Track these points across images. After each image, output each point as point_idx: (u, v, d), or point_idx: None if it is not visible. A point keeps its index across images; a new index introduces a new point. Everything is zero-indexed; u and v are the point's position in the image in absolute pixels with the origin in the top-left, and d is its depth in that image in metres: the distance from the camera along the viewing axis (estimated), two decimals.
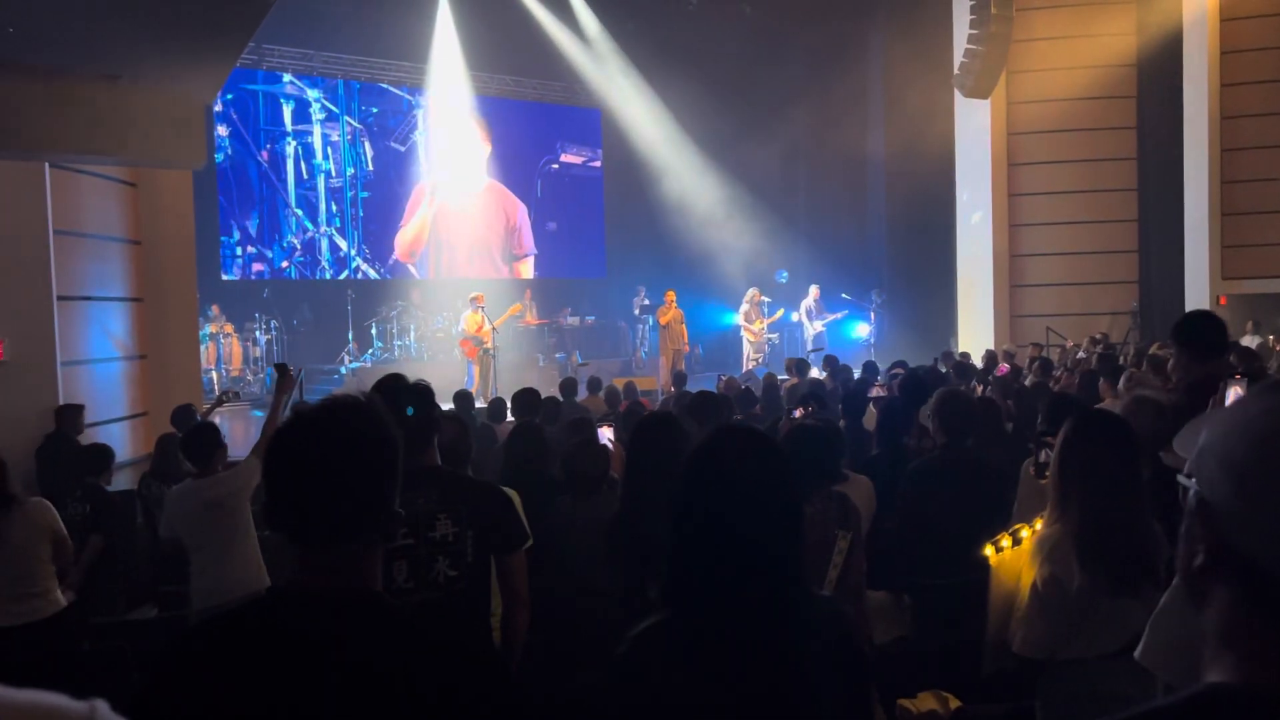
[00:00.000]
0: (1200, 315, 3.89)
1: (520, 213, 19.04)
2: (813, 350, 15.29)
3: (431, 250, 18.11)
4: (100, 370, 9.65)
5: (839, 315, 16.94)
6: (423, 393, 2.86)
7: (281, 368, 4.78)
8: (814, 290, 16.73)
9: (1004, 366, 9.75)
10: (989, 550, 2.91)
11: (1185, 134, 15.44)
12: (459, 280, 17.19)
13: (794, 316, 17.21)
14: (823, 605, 1.79)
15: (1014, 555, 2.79)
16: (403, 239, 17.86)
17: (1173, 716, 0.84)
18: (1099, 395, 6.56)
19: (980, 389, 8.45)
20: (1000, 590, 2.73)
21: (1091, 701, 2.38)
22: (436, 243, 18.09)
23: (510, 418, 7.04)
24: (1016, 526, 2.93)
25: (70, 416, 8.05)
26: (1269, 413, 0.85)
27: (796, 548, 1.72)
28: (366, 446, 1.49)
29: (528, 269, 19.13)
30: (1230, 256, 15.27)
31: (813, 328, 16.52)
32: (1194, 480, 0.91)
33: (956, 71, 15.86)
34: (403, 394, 2.80)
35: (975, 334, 16.51)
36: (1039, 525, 2.71)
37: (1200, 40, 15.13)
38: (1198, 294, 15.25)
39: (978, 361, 11.98)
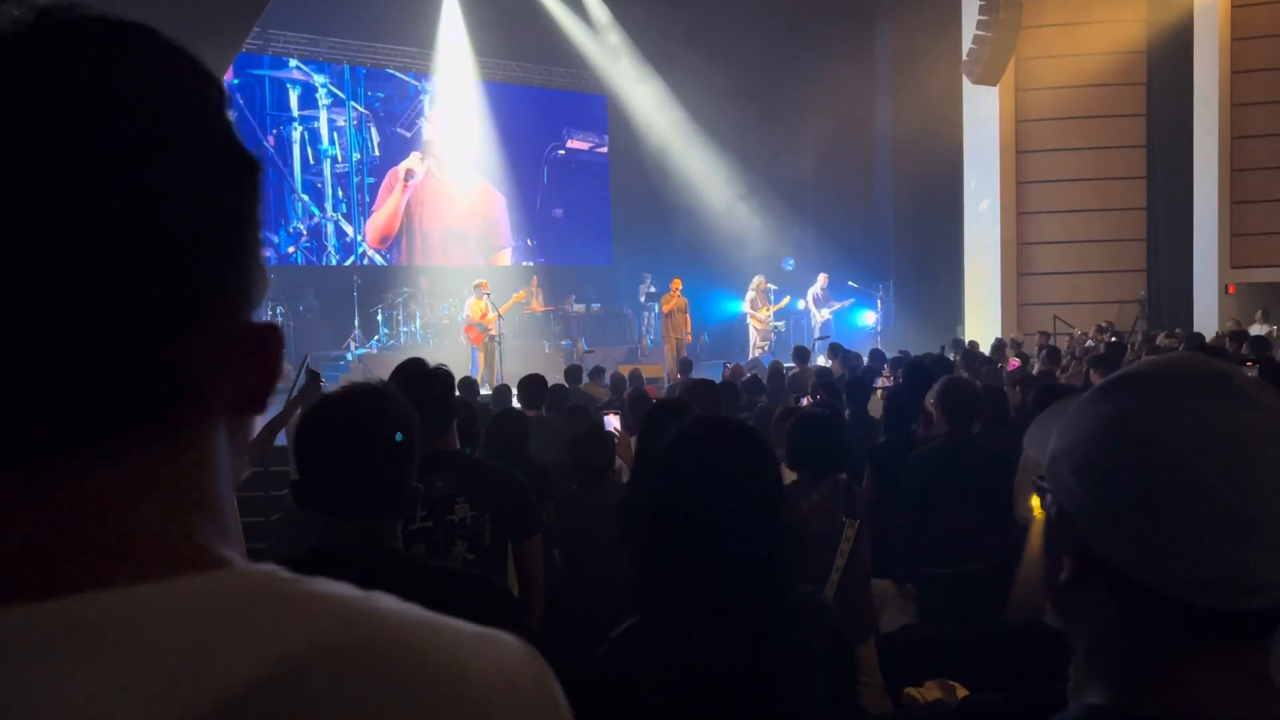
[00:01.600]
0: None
1: (500, 206, 18.91)
2: (819, 338, 15.26)
3: (404, 239, 17.97)
4: None
5: (846, 303, 16.89)
6: (442, 377, 2.87)
7: (314, 375, 4.83)
8: (822, 278, 16.69)
9: (1015, 361, 9.73)
10: (1034, 502, 2.91)
11: (1195, 121, 15.33)
12: (465, 269, 17.18)
13: (800, 304, 17.17)
14: (804, 600, 1.74)
15: None
16: (374, 225, 17.71)
17: None
18: None
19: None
20: (1036, 547, 2.71)
21: None
22: (412, 230, 17.96)
23: (516, 404, 7.03)
24: None
25: None
26: (1122, 412, 0.79)
27: (777, 542, 1.66)
28: (387, 426, 1.68)
29: (505, 259, 19.01)
30: (1239, 245, 15.19)
31: (820, 315, 16.48)
32: (1044, 486, 0.86)
33: (965, 58, 15.77)
34: (424, 378, 2.81)
35: (983, 322, 16.46)
36: None
37: (1210, 26, 15.02)
38: (1206, 283, 15.18)
39: (988, 350, 11.96)
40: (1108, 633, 0.81)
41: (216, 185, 0.51)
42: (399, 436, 1.70)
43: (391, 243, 17.89)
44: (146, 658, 0.46)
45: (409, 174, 17.74)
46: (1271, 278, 14.69)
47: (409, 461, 1.71)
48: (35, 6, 0.50)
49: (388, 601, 0.52)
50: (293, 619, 0.49)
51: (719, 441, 1.70)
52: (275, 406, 5.22)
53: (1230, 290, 14.90)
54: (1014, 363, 9.63)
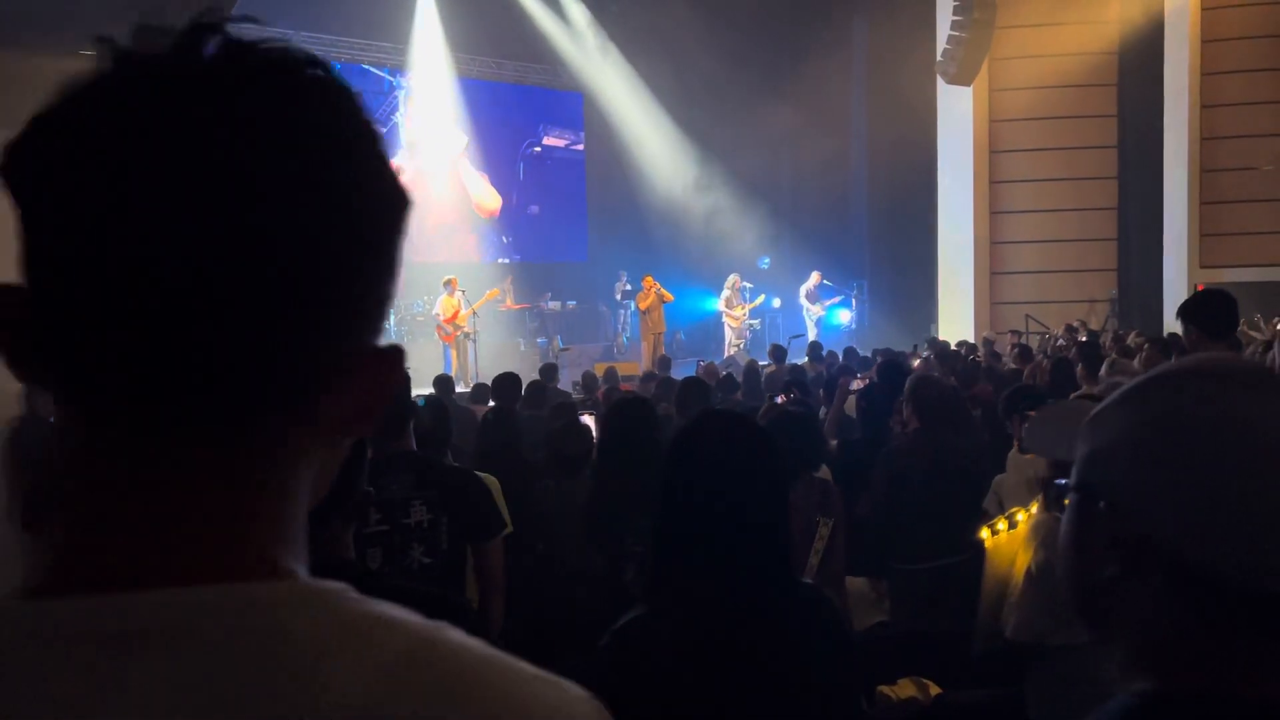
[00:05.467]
0: (1213, 291, 3.96)
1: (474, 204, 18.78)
2: (793, 337, 15.31)
3: None
4: None
5: (837, 300, 17.03)
6: None
7: None
8: (815, 275, 16.73)
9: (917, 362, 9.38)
10: (984, 533, 2.92)
11: (1165, 122, 15.50)
12: (438, 264, 17.06)
13: (775, 302, 17.22)
14: (809, 592, 1.78)
15: (1009, 539, 2.79)
16: None
17: None
18: (1077, 383, 6.58)
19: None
20: (994, 574, 2.73)
21: (1082, 687, 2.39)
22: None
23: (491, 402, 7.00)
24: (1012, 510, 2.93)
25: (42, 399, 7.93)
26: (1172, 406, 0.82)
27: (782, 534, 1.71)
28: None
29: (478, 255, 18.84)
30: (1209, 245, 15.38)
31: (814, 311, 16.52)
32: (1081, 485, 0.87)
33: (939, 58, 15.85)
34: None
35: (956, 321, 16.56)
36: (1034, 509, 2.71)
37: (1181, 28, 15.18)
38: (1176, 282, 15.35)
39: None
40: (1160, 622, 0.82)
41: (372, 217, 0.54)
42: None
43: None
44: (217, 664, 0.47)
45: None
46: (1240, 277, 14.87)
47: (358, 466, 1.60)
48: (223, 37, 0.55)
49: (455, 634, 0.53)
50: (366, 643, 0.50)
51: (724, 434, 1.73)
52: None
53: (1200, 289, 15.07)
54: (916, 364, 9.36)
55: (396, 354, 0.56)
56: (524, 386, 7.00)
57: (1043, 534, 2.48)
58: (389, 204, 0.56)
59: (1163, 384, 0.85)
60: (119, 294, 0.49)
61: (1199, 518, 0.79)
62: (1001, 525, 2.85)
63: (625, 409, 3.47)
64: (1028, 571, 2.47)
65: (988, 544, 2.88)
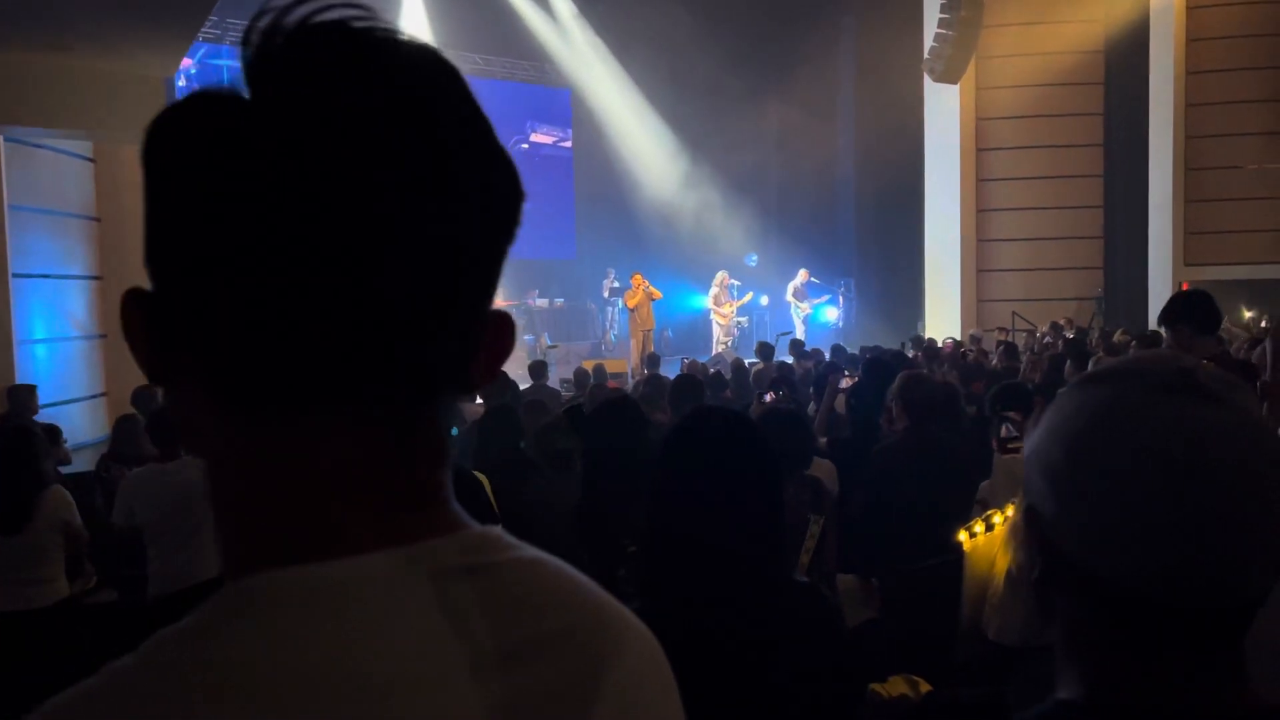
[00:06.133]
0: (1194, 291, 4.02)
1: None
2: (781, 334, 15.33)
3: None
4: (58, 349, 9.46)
5: (824, 298, 17.08)
6: None
7: None
8: (803, 273, 16.78)
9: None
10: (963, 536, 2.91)
11: (1150, 121, 15.59)
12: None
13: (763, 300, 17.23)
14: (803, 589, 1.77)
15: (987, 541, 2.78)
16: None
17: None
18: (1064, 381, 6.61)
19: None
20: (974, 576, 2.73)
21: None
22: None
23: (479, 400, 6.96)
24: (989, 512, 2.93)
25: (23, 397, 7.87)
26: (1080, 411, 0.81)
27: (777, 531, 1.70)
28: None
29: None
30: (1193, 243, 15.47)
31: (801, 309, 16.58)
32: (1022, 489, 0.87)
33: (927, 56, 15.89)
34: None
35: (942, 319, 16.61)
36: (1010, 511, 2.70)
37: (1167, 27, 15.26)
38: (1161, 280, 15.43)
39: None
40: (1079, 628, 0.82)
41: (513, 201, 0.61)
42: None
43: None
44: (509, 586, 0.59)
45: None
46: (1224, 275, 14.97)
47: None
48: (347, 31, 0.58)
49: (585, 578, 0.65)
50: (558, 583, 0.62)
51: (718, 431, 1.72)
52: None
53: (1184, 288, 15.16)
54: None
55: (506, 318, 0.62)
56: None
57: (1021, 536, 2.47)
58: (518, 185, 0.62)
59: (1085, 386, 0.83)
60: (343, 290, 0.52)
61: (1095, 530, 0.77)
62: (979, 528, 2.85)
63: (611, 408, 3.46)
64: (1008, 574, 2.47)
65: (966, 546, 2.88)
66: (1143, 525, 0.75)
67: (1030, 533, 0.84)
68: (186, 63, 14.79)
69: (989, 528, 2.85)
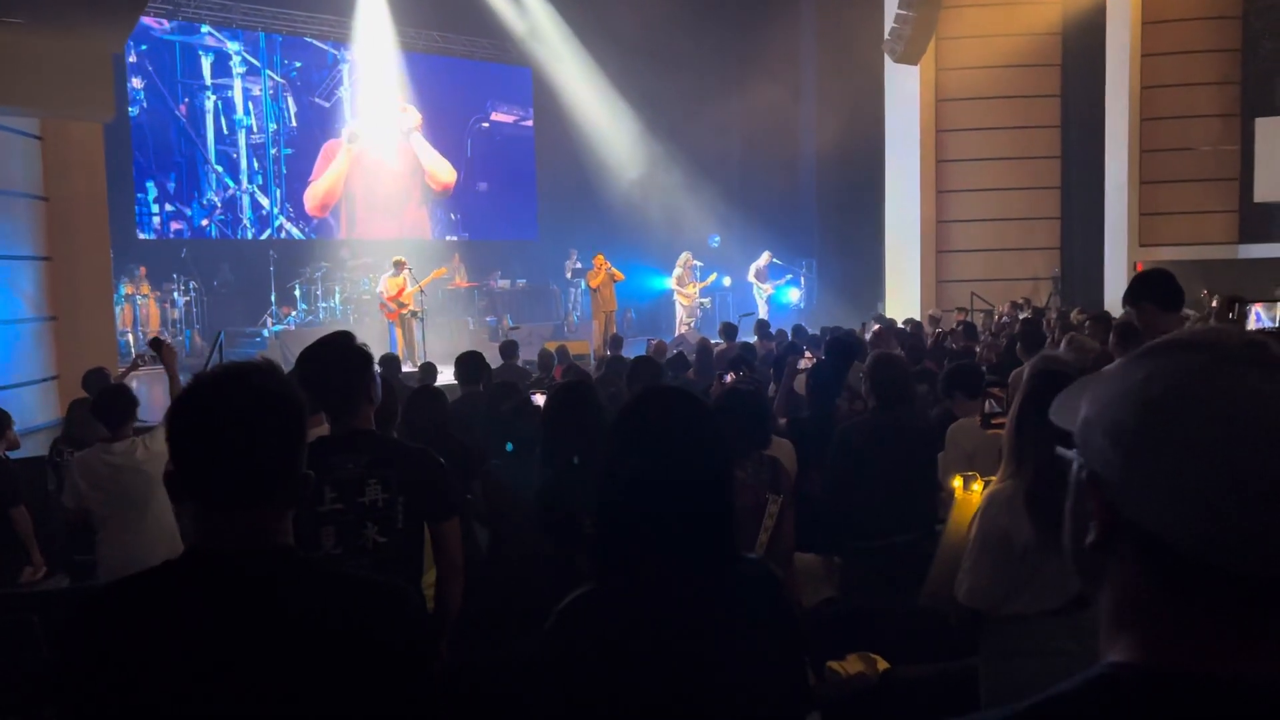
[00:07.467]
0: (1157, 270, 4.09)
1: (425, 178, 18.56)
2: (744, 315, 15.37)
3: (344, 205, 17.58)
4: (7, 331, 9.25)
5: (786, 279, 17.16)
6: (355, 354, 2.76)
7: (155, 343, 4.79)
8: (766, 255, 16.87)
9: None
10: (957, 483, 2.93)
11: (1107, 103, 15.75)
12: (386, 242, 16.82)
13: (725, 281, 17.25)
14: (753, 568, 1.77)
15: (965, 501, 2.81)
16: (314, 192, 17.29)
17: (1074, 700, 0.81)
18: (1018, 360, 6.67)
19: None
20: (956, 529, 2.73)
21: (1033, 657, 2.41)
22: (349, 196, 17.57)
23: (454, 381, 6.88)
24: (972, 473, 2.95)
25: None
26: (1153, 378, 0.82)
27: (727, 509, 1.70)
28: (269, 407, 1.46)
29: (427, 233, 18.66)
30: (1147, 224, 15.69)
31: (764, 289, 16.67)
32: (1077, 453, 0.88)
33: (887, 37, 15.93)
34: (336, 355, 2.71)
35: (903, 299, 16.75)
36: (994, 479, 2.71)
37: (1123, 10, 15.41)
38: (1116, 260, 15.65)
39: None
40: (1133, 594, 0.82)
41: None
42: (301, 402, 1.50)
43: (330, 210, 17.44)
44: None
45: (352, 137, 17.29)
46: (1178, 256, 15.21)
47: (295, 446, 1.50)
48: None
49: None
50: None
51: (667, 410, 1.72)
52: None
53: (1139, 268, 15.39)
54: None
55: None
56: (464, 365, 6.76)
57: (1002, 500, 2.48)
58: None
59: (1155, 354, 0.85)
60: None
61: (1165, 495, 0.79)
62: (976, 485, 2.86)
63: (563, 394, 3.44)
64: (981, 538, 2.48)
65: (958, 495, 2.90)
66: (1219, 491, 0.76)
67: (1089, 496, 0.85)
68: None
69: (967, 489, 2.88)
